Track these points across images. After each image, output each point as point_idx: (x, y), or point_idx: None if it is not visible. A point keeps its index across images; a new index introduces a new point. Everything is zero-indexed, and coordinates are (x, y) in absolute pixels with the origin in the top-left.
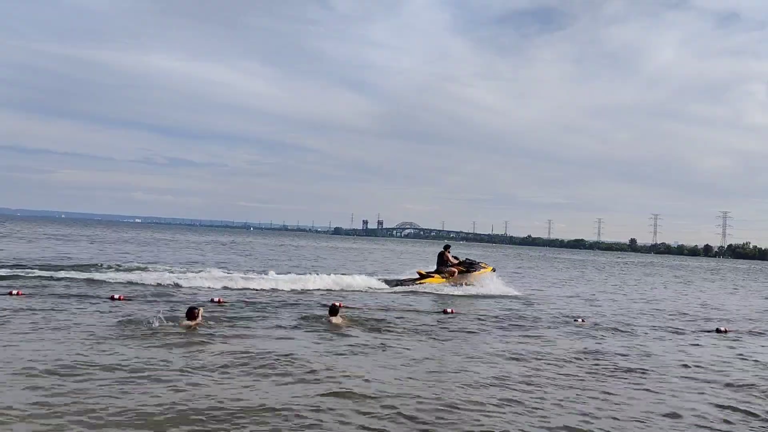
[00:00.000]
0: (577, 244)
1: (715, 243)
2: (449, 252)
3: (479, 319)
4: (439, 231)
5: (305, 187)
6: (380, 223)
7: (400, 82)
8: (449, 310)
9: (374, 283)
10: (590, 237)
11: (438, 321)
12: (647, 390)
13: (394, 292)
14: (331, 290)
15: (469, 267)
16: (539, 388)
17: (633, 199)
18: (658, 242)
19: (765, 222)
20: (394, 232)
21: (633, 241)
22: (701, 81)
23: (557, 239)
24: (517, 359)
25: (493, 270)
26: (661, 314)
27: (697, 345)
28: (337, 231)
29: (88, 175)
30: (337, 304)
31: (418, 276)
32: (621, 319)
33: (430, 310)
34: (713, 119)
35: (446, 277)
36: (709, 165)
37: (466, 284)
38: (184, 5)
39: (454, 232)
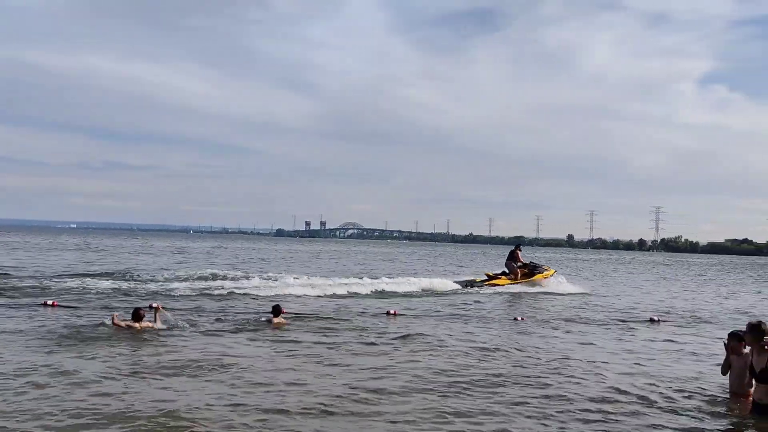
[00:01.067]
0: (517, 241)
1: (649, 237)
2: (520, 251)
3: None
4: (383, 231)
5: (247, 189)
6: (323, 223)
7: (343, 83)
8: (392, 311)
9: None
10: (529, 234)
11: (375, 323)
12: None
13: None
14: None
15: (533, 269)
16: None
17: (570, 196)
18: (595, 237)
19: (696, 216)
20: (338, 232)
21: (570, 236)
22: (635, 80)
23: (498, 236)
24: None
25: (555, 272)
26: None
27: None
28: (280, 233)
29: (21, 180)
30: (281, 307)
31: (486, 278)
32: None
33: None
34: (647, 117)
35: (512, 279)
36: (644, 162)
37: (532, 285)
38: (119, 5)
39: (397, 231)
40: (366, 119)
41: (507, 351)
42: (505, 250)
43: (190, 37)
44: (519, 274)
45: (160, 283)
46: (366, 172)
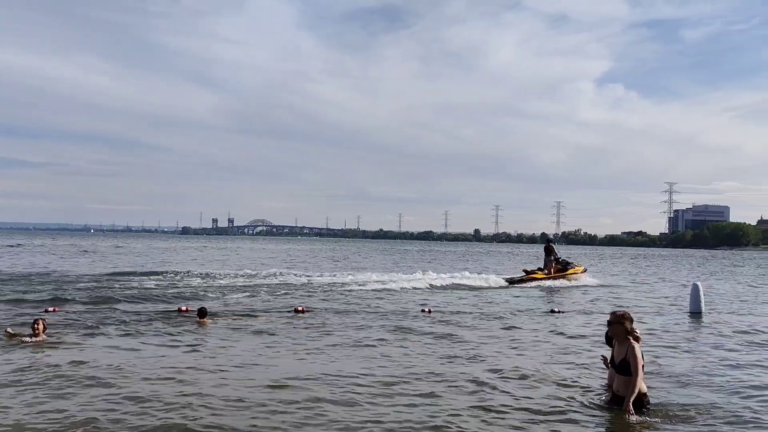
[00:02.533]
0: (426, 236)
1: (551, 231)
2: (554, 246)
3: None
4: (293, 227)
5: (152, 186)
6: (231, 221)
7: (252, 78)
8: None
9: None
10: (438, 228)
11: (291, 321)
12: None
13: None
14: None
15: (565, 266)
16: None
17: (477, 192)
18: (500, 231)
19: (594, 210)
20: (246, 230)
21: (477, 231)
22: (538, 79)
23: (407, 231)
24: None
25: (585, 270)
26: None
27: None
28: (185, 231)
29: None
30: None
31: (524, 274)
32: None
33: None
34: (549, 115)
35: (547, 274)
36: (546, 158)
37: (565, 280)
38: None
39: (307, 228)
40: (275, 115)
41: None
42: (415, 245)
43: (91, 29)
44: (553, 270)
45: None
46: (275, 168)
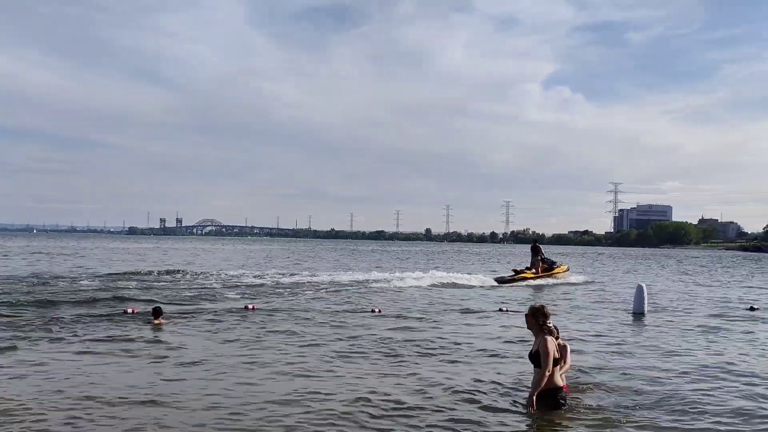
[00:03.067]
0: (378, 236)
1: (500, 230)
2: (540, 246)
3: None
4: (243, 227)
5: (97, 185)
6: (179, 221)
7: (201, 75)
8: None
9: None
10: (390, 228)
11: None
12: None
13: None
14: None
15: (551, 265)
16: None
17: (428, 192)
18: (451, 231)
19: (541, 210)
20: (195, 230)
21: (428, 230)
22: (487, 80)
23: (359, 231)
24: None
25: (568, 269)
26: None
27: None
28: (132, 231)
29: None
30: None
31: (514, 273)
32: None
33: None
34: (497, 116)
35: (535, 273)
36: (495, 158)
37: (552, 279)
38: None
39: (258, 227)
40: (225, 113)
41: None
42: (368, 245)
43: (33, 22)
44: (541, 269)
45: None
46: (225, 167)
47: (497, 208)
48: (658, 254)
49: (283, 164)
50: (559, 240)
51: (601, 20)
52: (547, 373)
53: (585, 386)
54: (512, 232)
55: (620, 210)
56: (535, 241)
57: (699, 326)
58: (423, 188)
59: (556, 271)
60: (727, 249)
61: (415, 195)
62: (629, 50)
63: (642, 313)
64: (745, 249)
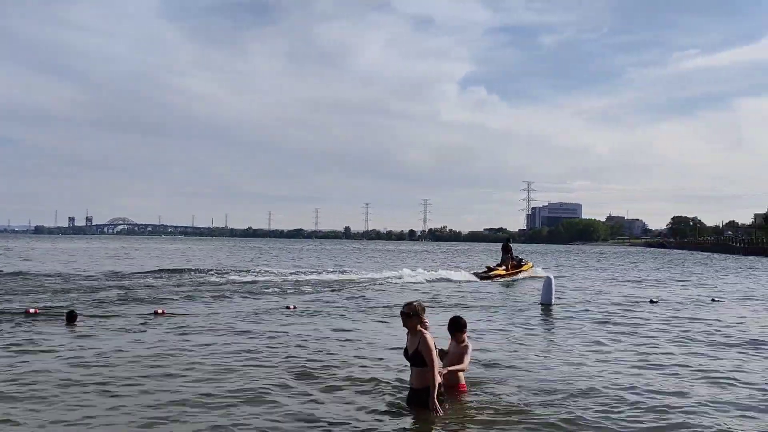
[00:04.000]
0: (297, 234)
1: (418, 228)
2: (511, 245)
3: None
4: (156, 226)
5: (1, 182)
6: (89, 219)
7: (112, 70)
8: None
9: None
10: (309, 226)
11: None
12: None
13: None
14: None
15: (519, 262)
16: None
17: (347, 190)
18: (370, 229)
19: (458, 208)
20: (106, 228)
21: (347, 229)
22: (404, 80)
23: (277, 230)
24: None
25: (533, 266)
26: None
27: None
28: (39, 230)
29: None
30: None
31: (487, 269)
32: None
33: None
34: (415, 115)
35: (506, 269)
36: (412, 157)
37: (521, 275)
38: None
39: (172, 226)
40: (138, 109)
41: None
42: (284, 243)
43: None
44: (510, 266)
45: None
46: (138, 164)
47: (415, 206)
48: (574, 250)
49: (198, 162)
50: (474, 237)
51: (516, 23)
52: (438, 370)
53: (481, 381)
54: (430, 230)
55: (533, 208)
56: (507, 241)
57: (601, 319)
58: (342, 186)
59: (524, 267)
60: (632, 245)
61: (334, 193)
62: (542, 52)
63: (550, 304)
64: (649, 245)
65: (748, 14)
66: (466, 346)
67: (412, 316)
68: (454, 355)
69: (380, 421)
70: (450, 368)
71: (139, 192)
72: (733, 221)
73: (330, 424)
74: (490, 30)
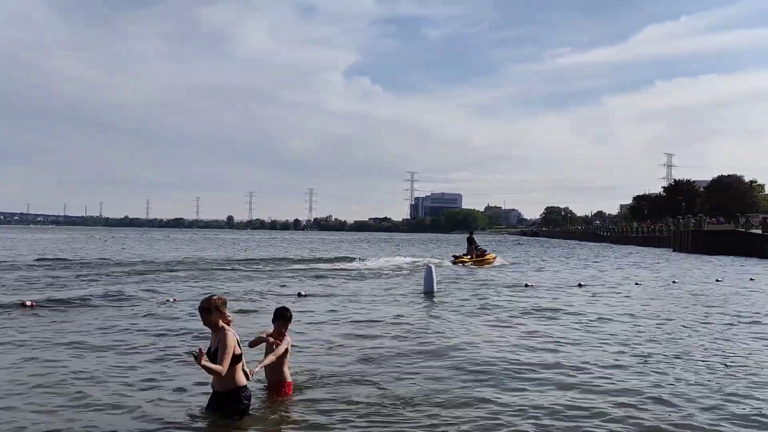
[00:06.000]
0: (177, 223)
1: (304, 217)
2: (475, 237)
3: None
4: (24, 215)
5: None
6: None
7: None
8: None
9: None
10: (190, 215)
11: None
12: None
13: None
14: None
15: (482, 253)
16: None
17: (231, 178)
18: (254, 218)
19: (343, 197)
20: None
21: (230, 218)
22: (290, 67)
23: (156, 219)
24: None
25: (495, 257)
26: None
27: None
28: None
29: None
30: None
31: (454, 258)
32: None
33: None
34: (299, 103)
35: (470, 258)
36: (298, 146)
37: (485, 265)
38: None
39: (41, 215)
40: (4, 90)
41: None
42: (161, 232)
43: None
44: (475, 256)
45: None
46: (2, 149)
47: (301, 195)
48: (455, 239)
49: (70, 147)
50: (360, 227)
51: (400, 14)
52: (221, 371)
53: (312, 378)
54: (316, 219)
55: (416, 198)
56: (471, 233)
57: (479, 305)
58: (225, 174)
59: (487, 257)
60: (509, 234)
61: (216, 181)
62: (426, 44)
63: (432, 293)
64: (524, 234)
65: (618, 16)
66: (282, 340)
67: (212, 311)
68: (270, 349)
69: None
70: (263, 364)
71: (4, 179)
72: (601, 211)
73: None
74: (375, 21)
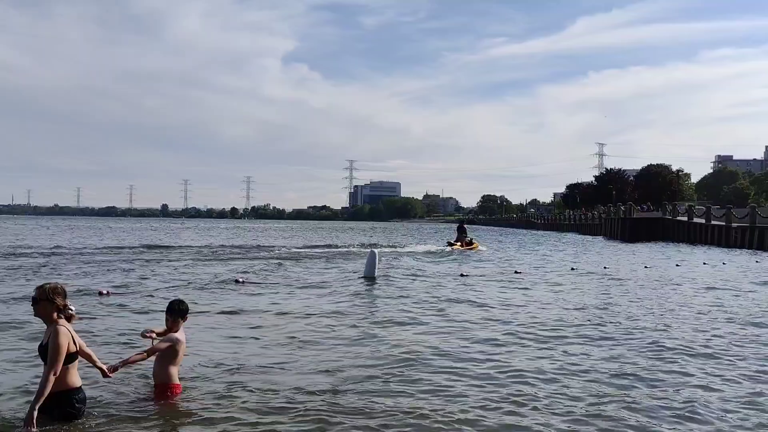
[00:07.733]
0: (109, 212)
1: (241, 205)
2: (465, 227)
3: None
4: None
5: None
6: None
7: None
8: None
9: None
10: (122, 204)
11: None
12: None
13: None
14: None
15: (470, 241)
16: None
17: (164, 165)
18: (189, 207)
19: (281, 185)
20: None
21: (165, 206)
22: (224, 52)
23: (88, 207)
24: None
25: (478, 245)
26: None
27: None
28: None
29: None
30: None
31: (448, 244)
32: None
33: None
34: (235, 90)
35: (461, 245)
36: (234, 133)
37: (472, 251)
38: None
39: None
40: None
41: None
42: (100, 221)
43: None
44: (464, 243)
45: None
46: None
47: (237, 183)
48: (394, 227)
49: None
50: (299, 215)
51: (338, 1)
52: (53, 376)
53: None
54: (253, 207)
55: (355, 186)
56: (462, 222)
57: (424, 291)
58: (158, 162)
59: (474, 245)
60: (446, 222)
61: (149, 169)
62: (363, 32)
63: (373, 278)
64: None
65: (552, 7)
66: (172, 337)
67: (41, 301)
68: (161, 344)
69: None
70: (134, 357)
71: None
72: (535, 199)
73: None
74: (312, 7)
